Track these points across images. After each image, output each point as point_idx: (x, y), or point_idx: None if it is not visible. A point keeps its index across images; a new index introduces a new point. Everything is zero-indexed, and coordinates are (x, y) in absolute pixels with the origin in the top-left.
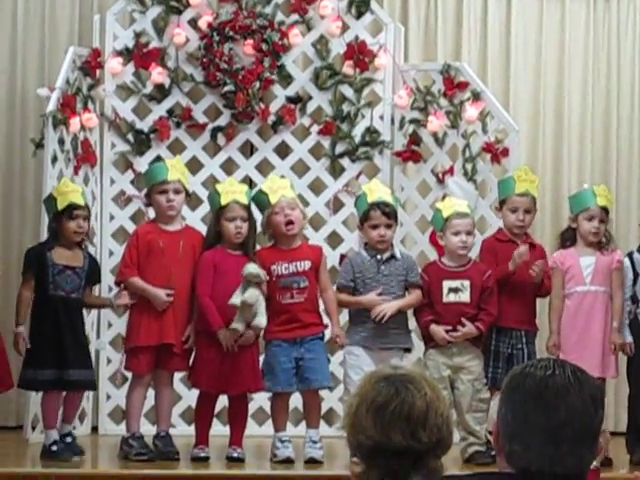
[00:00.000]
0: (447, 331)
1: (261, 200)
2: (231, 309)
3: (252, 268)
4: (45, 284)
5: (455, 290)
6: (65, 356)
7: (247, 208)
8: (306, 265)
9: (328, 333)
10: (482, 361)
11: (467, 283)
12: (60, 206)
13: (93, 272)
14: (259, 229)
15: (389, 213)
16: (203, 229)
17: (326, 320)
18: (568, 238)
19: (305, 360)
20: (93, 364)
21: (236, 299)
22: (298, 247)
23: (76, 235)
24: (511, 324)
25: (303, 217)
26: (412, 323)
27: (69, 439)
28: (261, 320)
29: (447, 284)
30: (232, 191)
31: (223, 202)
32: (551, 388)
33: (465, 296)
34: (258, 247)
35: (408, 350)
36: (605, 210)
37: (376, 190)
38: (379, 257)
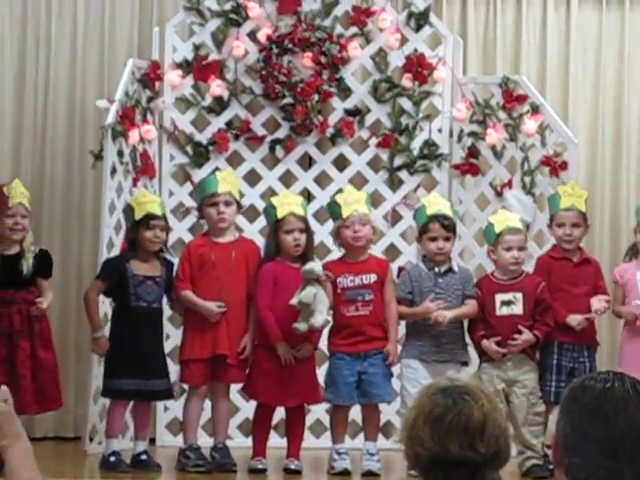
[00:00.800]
0: (501, 343)
1: (334, 211)
2: (291, 321)
3: (308, 265)
4: (126, 295)
5: (508, 303)
6: (147, 366)
7: (304, 219)
8: (372, 278)
9: None
10: (537, 374)
11: (519, 295)
12: (137, 216)
13: (170, 278)
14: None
15: (448, 226)
16: (261, 241)
17: None
18: (630, 252)
19: (368, 374)
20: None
21: (295, 299)
22: (365, 260)
23: (152, 245)
24: (573, 339)
25: (373, 232)
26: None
27: (144, 457)
28: (318, 319)
29: (499, 297)
30: (288, 203)
31: (280, 215)
32: (610, 400)
33: (518, 308)
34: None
35: (465, 364)
36: None
37: (435, 203)
38: (437, 270)
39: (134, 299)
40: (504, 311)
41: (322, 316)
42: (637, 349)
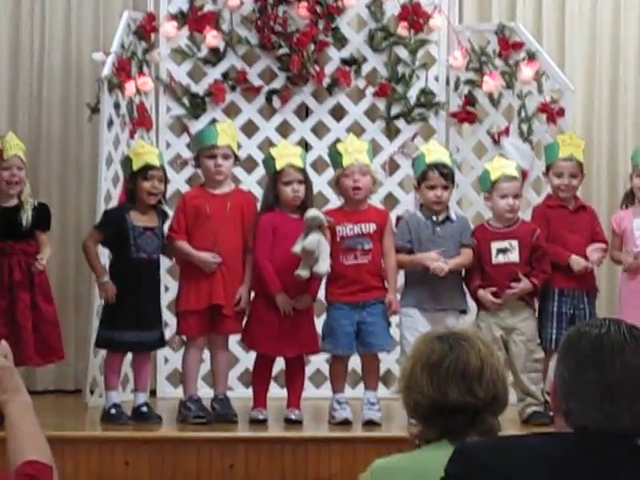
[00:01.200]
0: (497, 292)
1: (334, 159)
2: (290, 271)
3: (311, 212)
4: (127, 247)
5: (504, 251)
6: (145, 317)
7: (303, 171)
8: (371, 227)
9: None
10: (535, 321)
11: (515, 243)
12: (135, 167)
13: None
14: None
15: (446, 174)
16: (259, 192)
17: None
18: (627, 199)
19: (367, 324)
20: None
21: (297, 246)
22: (365, 209)
23: (150, 196)
24: (572, 285)
25: (373, 182)
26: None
27: (145, 409)
28: (321, 266)
29: (495, 245)
30: (287, 154)
31: (278, 166)
32: (606, 345)
33: (514, 256)
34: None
35: (464, 312)
36: None
37: (434, 151)
38: (435, 218)
39: (134, 250)
40: (500, 259)
41: (325, 263)
42: (635, 290)
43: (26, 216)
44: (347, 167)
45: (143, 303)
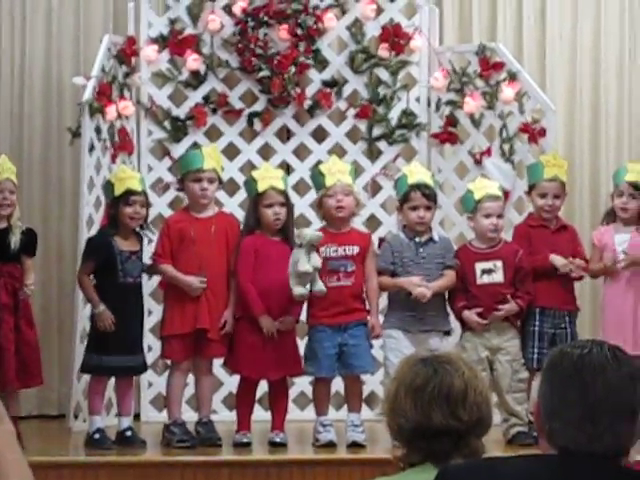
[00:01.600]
0: (482, 313)
1: (317, 180)
2: (273, 294)
3: (313, 232)
4: (114, 272)
5: (488, 271)
6: (130, 342)
7: (284, 193)
8: (355, 250)
9: None
10: (519, 341)
11: (499, 263)
12: (117, 192)
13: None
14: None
15: (429, 195)
16: (241, 215)
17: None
18: (608, 216)
19: (349, 346)
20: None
21: (306, 266)
22: (347, 232)
23: (133, 221)
24: (554, 305)
25: (356, 204)
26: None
27: (129, 433)
28: (320, 285)
29: (479, 266)
30: (269, 177)
31: (260, 189)
32: (587, 365)
33: (499, 276)
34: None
35: (448, 333)
36: (635, 187)
37: (416, 172)
38: (417, 240)
39: (121, 275)
40: (485, 279)
41: (321, 282)
42: (616, 291)
43: (15, 239)
44: (330, 187)
45: (129, 327)
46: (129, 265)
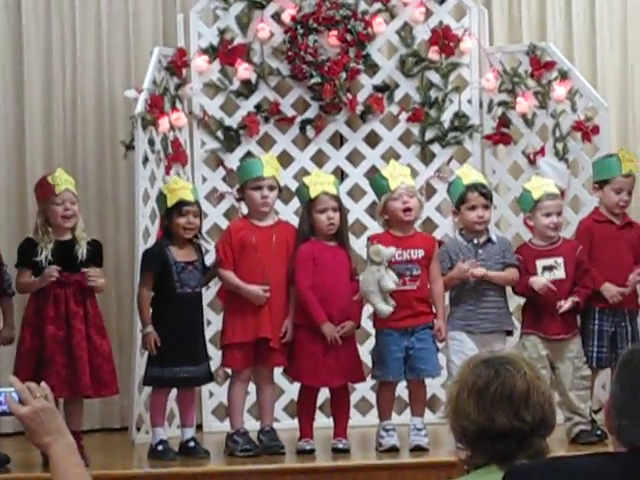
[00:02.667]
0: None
1: (380, 185)
2: (333, 300)
3: (389, 249)
4: (171, 282)
5: (550, 268)
6: (192, 352)
7: (337, 198)
8: (420, 253)
9: None
10: (580, 338)
11: (560, 260)
12: (170, 203)
13: (204, 263)
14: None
15: (486, 194)
16: (296, 222)
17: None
18: None
19: (415, 349)
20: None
21: (390, 283)
22: (412, 235)
23: (187, 231)
24: (613, 304)
25: (420, 206)
26: (511, 305)
27: (192, 444)
28: (391, 301)
29: (541, 263)
30: (320, 182)
31: (312, 194)
32: None
33: (560, 273)
34: (352, 237)
35: (510, 333)
36: None
37: (470, 173)
38: (475, 241)
39: (179, 286)
40: (547, 276)
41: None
42: None
43: (82, 250)
44: (395, 190)
45: (190, 338)
46: (186, 275)
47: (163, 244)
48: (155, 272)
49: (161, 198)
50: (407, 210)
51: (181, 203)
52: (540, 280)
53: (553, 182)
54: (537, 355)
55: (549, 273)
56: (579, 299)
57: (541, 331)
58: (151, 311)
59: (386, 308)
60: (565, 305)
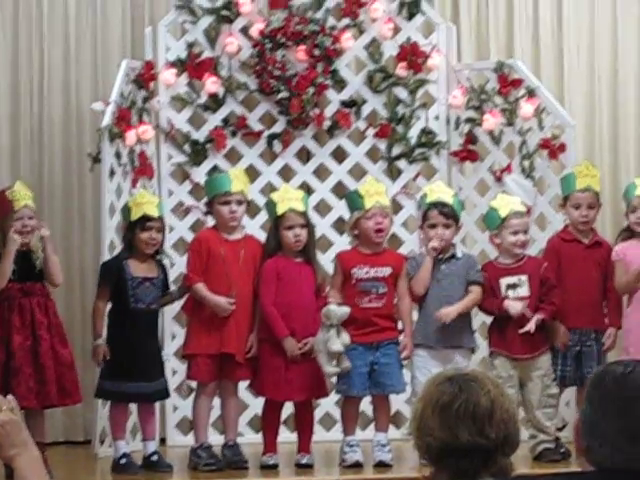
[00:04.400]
0: (508, 330)
1: (355, 201)
2: (295, 317)
3: (341, 310)
4: (125, 297)
5: (513, 286)
6: (145, 368)
7: (304, 215)
8: (387, 271)
9: None
10: (550, 357)
11: (524, 278)
12: (134, 217)
13: (165, 281)
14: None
15: (447, 213)
16: (262, 237)
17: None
18: (624, 233)
19: (380, 364)
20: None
21: (336, 346)
22: (381, 252)
23: (148, 247)
24: (579, 323)
25: (391, 225)
26: (475, 323)
27: (155, 457)
28: (348, 362)
29: (504, 281)
30: (288, 198)
31: (280, 211)
32: (629, 386)
33: (524, 290)
34: (317, 252)
35: (472, 350)
36: None
37: (436, 191)
38: (440, 257)
39: (133, 301)
40: (510, 294)
41: (347, 360)
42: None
43: (39, 260)
44: (369, 209)
45: (141, 354)
46: (141, 291)
47: (121, 257)
48: (110, 285)
49: (126, 210)
50: (379, 231)
51: (145, 218)
52: (517, 305)
53: (519, 200)
54: (506, 374)
55: (513, 291)
56: (544, 316)
57: (508, 350)
58: (107, 324)
59: (331, 370)
60: (528, 326)
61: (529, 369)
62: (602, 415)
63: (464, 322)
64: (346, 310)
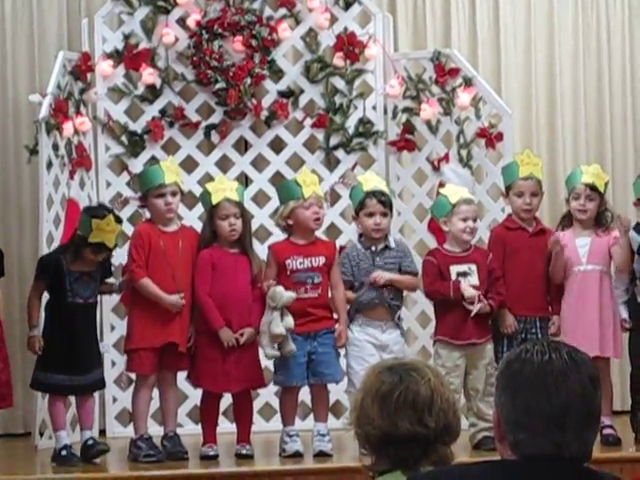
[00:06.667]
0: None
1: (293, 190)
2: (231, 308)
3: (287, 294)
4: (62, 292)
5: (464, 274)
6: (81, 361)
7: (239, 204)
8: (320, 261)
9: None
10: (493, 345)
11: (474, 267)
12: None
13: (104, 268)
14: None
15: (384, 202)
16: (200, 227)
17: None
18: (565, 220)
19: (317, 354)
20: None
21: (280, 328)
22: (313, 242)
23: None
24: (524, 311)
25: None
26: (414, 312)
27: (90, 442)
28: (292, 346)
29: (455, 269)
30: (222, 189)
31: (214, 201)
32: (550, 374)
33: (474, 279)
34: (256, 242)
35: (399, 326)
36: (592, 188)
37: (371, 180)
38: (373, 249)
39: (70, 295)
40: (461, 281)
41: (292, 343)
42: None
43: None
44: (307, 198)
45: (78, 347)
46: (79, 286)
47: (59, 252)
48: (47, 280)
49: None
50: (317, 220)
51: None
52: (472, 291)
53: (466, 189)
54: (452, 364)
55: (463, 279)
56: (493, 304)
57: (454, 337)
58: (44, 317)
59: (269, 352)
60: (476, 307)
61: (475, 357)
62: (526, 407)
63: (395, 295)
64: (292, 295)
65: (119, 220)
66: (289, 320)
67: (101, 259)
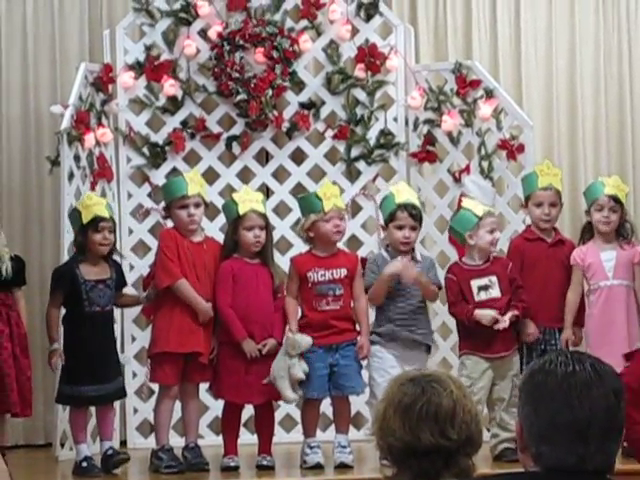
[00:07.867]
0: (482, 333)
1: (313, 204)
2: (254, 317)
3: (305, 340)
4: (79, 302)
5: (485, 288)
6: (103, 371)
7: (264, 216)
8: (342, 273)
9: None
10: (519, 357)
11: (494, 279)
12: (85, 219)
13: (119, 277)
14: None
15: (415, 215)
16: (222, 238)
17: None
18: (586, 233)
19: (339, 366)
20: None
21: (300, 373)
22: (335, 254)
23: (102, 247)
24: (543, 322)
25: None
26: (435, 323)
27: (110, 451)
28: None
29: (475, 283)
30: (249, 200)
31: (241, 211)
32: (573, 386)
33: (495, 292)
34: (277, 254)
35: (428, 349)
36: (615, 199)
37: (403, 192)
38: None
39: (87, 305)
40: (482, 296)
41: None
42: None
43: (5, 267)
44: (328, 212)
45: (99, 356)
46: (95, 294)
47: (73, 262)
48: (63, 291)
49: (75, 214)
50: (338, 232)
51: (97, 219)
52: (487, 314)
53: (478, 201)
54: (477, 374)
55: (485, 293)
56: (518, 313)
57: (481, 352)
58: (63, 330)
59: (292, 396)
60: (503, 323)
61: (503, 369)
62: (549, 419)
63: (423, 321)
64: (309, 341)
65: None
66: (304, 365)
67: (110, 237)
